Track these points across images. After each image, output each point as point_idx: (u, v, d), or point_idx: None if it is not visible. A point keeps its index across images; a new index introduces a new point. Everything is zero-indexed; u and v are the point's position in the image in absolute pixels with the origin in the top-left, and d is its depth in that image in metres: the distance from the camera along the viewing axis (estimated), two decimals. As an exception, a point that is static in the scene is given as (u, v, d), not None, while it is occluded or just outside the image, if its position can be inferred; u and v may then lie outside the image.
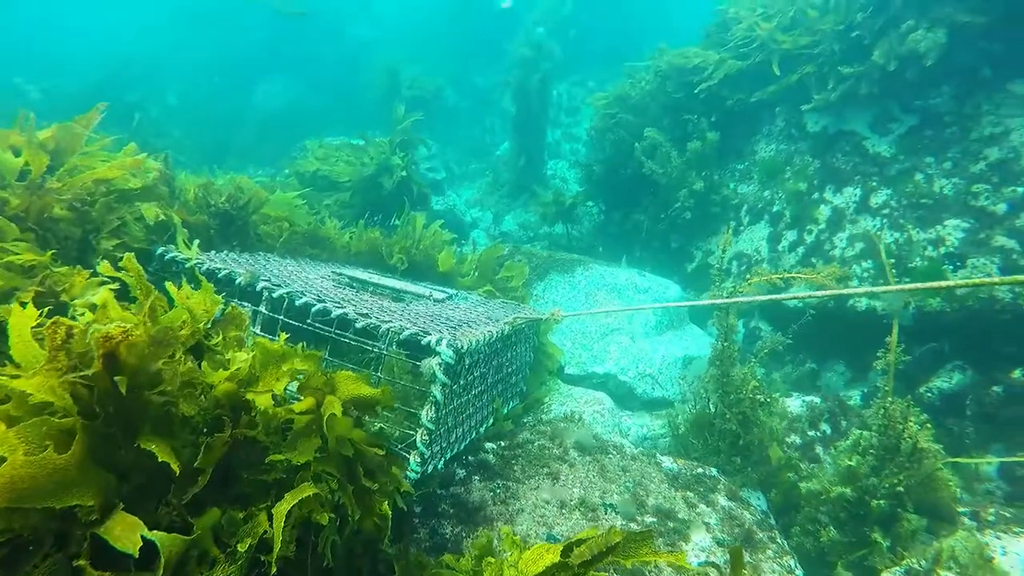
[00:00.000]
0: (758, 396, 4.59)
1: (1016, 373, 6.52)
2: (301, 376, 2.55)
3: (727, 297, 4.38)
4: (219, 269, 3.63)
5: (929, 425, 4.42)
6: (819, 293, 2.94)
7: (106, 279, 2.84)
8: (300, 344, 2.71)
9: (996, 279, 2.63)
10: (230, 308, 2.77)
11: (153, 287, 2.48)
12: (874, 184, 7.59)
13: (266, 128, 12.93)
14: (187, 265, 3.65)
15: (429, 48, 15.56)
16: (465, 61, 15.28)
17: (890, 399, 4.26)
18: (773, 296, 3.66)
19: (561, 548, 2.42)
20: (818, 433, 5.48)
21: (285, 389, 2.47)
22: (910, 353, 6.80)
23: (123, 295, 2.49)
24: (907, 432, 4.16)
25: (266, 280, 3.57)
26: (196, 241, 3.90)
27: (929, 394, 6.64)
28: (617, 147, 9.89)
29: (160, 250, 3.78)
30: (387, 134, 8.53)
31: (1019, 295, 6.47)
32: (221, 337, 2.63)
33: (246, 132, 12.98)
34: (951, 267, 6.58)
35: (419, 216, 5.66)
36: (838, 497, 4.27)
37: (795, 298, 3.22)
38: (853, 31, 7.94)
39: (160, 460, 2.00)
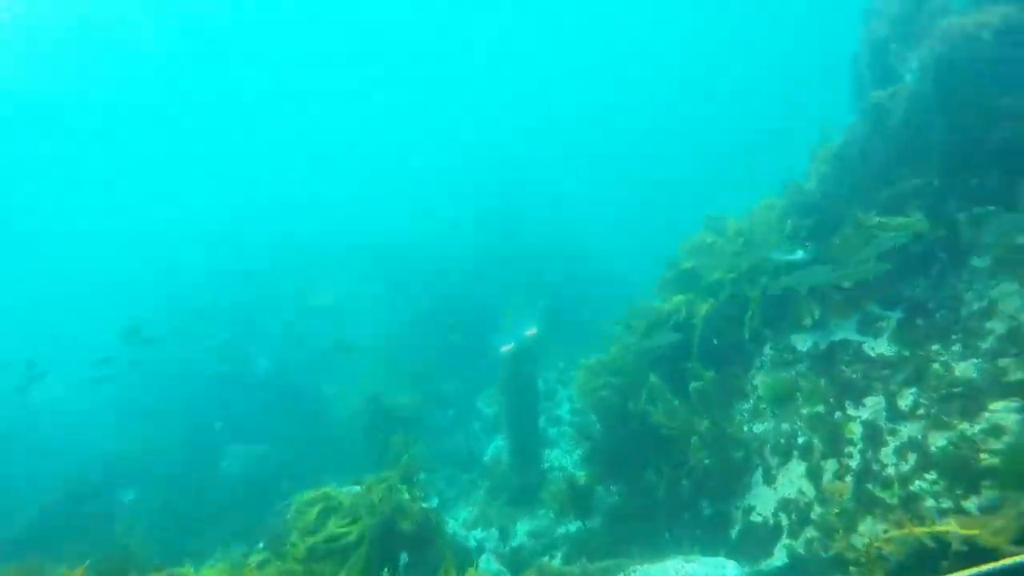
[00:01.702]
0: None
1: None
2: None
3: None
4: None
5: None
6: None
7: None
8: None
9: None
10: None
11: None
12: (894, 388, 6.89)
13: (235, 497, 12.41)
14: None
15: (389, 366, 15.79)
16: (430, 371, 15.31)
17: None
18: None
19: None
20: None
21: None
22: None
23: None
24: None
25: None
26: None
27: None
28: (615, 412, 9.35)
29: None
30: (371, 472, 7.89)
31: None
32: None
33: (212, 505, 12.35)
34: (1031, 454, 5.54)
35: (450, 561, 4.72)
36: None
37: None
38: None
39: None
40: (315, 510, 7.37)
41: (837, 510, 6.04)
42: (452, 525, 10.09)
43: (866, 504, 6.05)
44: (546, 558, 8.88)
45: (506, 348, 10.81)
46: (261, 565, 7.06)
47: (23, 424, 16.72)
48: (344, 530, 6.98)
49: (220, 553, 9.80)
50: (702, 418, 8.52)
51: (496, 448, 12.51)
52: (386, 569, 6.51)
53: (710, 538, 7.58)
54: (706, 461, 8.05)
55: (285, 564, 6.89)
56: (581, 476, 9.50)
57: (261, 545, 8.53)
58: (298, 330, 12.85)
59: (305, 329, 12.83)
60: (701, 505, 8.02)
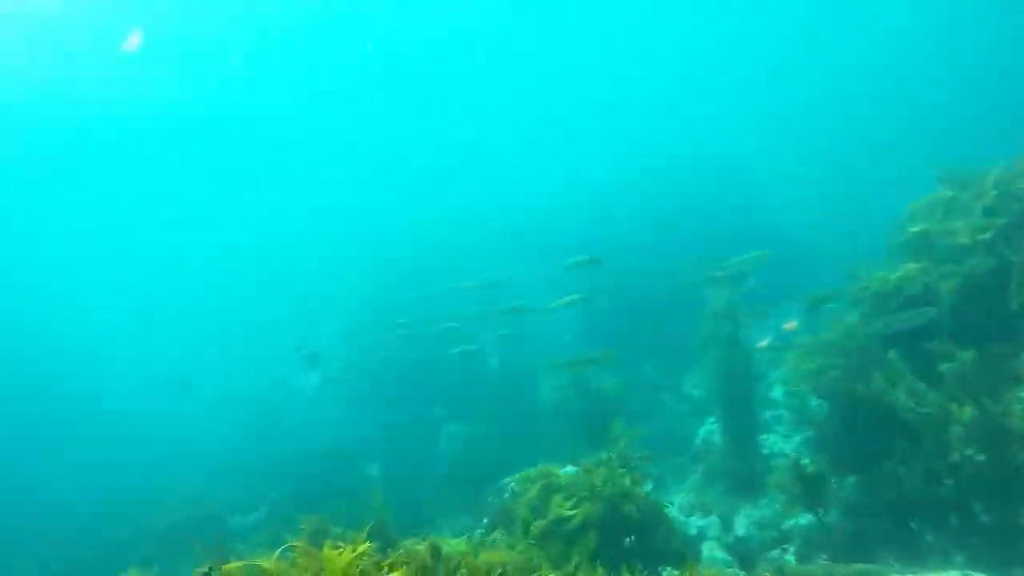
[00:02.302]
0: None
1: None
2: None
3: None
4: None
5: None
6: None
7: None
8: None
9: None
10: None
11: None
12: None
13: (453, 475, 13.40)
14: None
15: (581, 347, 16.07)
16: (626, 352, 15.18)
17: None
18: None
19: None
20: None
21: None
22: None
23: None
24: None
25: None
26: None
27: None
28: (843, 396, 8.54)
29: None
30: (578, 454, 7.91)
31: None
32: None
33: (434, 481, 13.54)
34: None
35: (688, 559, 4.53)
36: None
37: None
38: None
39: None
40: (536, 487, 7.58)
41: None
42: (670, 511, 9.87)
43: None
44: (777, 551, 8.35)
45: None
46: (497, 541, 7.45)
47: (285, 406, 20.05)
48: (571, 512, 7.08)
49: (448, 524, 10.55)
50: (962, 405, 7.49)
51: (707, 431, 12.05)
52: (608, 554, 6.51)
53: (993, 551, 6.59)
54: (979, 457, 7.04)
55: (519, 541, 7.08)
56: (807, 463, 8.81)
57: (486, 520, 8.97)
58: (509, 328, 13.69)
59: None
60: (973, 509, 7.02)
